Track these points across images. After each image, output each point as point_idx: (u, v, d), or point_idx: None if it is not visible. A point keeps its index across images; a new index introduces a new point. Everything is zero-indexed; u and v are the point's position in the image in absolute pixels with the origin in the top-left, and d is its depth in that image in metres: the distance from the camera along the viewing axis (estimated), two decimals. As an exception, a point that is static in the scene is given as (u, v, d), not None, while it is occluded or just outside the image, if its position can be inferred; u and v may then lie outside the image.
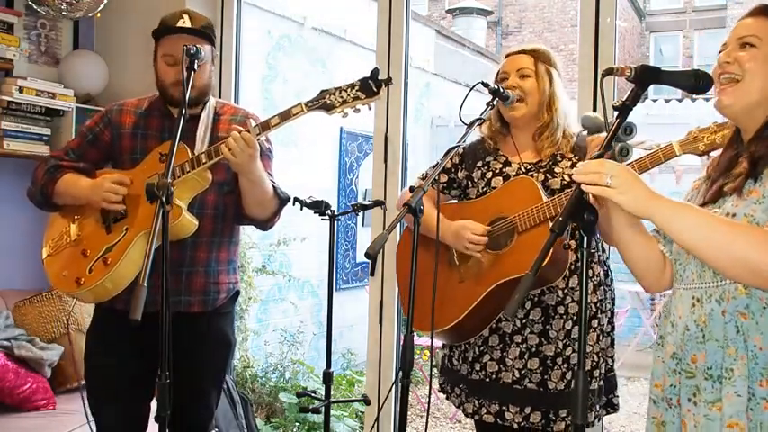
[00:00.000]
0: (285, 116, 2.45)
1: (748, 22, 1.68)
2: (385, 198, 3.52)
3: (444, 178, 2.63)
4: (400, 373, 2.07)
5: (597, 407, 2.42)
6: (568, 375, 2.37)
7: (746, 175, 1.62)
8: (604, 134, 1.76)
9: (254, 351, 5.76)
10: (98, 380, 2.61)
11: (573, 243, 2.35)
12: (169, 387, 2.06)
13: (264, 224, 2.72)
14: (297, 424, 4.87)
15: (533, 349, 2.40)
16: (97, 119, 2.74)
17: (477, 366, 2.47)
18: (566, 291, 2.40)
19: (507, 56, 2.57)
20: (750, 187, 1.60)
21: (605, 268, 2.48)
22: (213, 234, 2.62)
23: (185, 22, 2.53)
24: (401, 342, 2.35)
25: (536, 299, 2.40)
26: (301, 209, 2.99)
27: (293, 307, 6.42)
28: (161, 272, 2.07)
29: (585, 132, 2.10)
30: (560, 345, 2.39)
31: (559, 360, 2.38)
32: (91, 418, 2.64)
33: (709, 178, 1.78)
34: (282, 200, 2.66)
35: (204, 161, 2.44)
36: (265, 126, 2.45)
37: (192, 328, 2.56)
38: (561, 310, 2.40)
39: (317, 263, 6.64)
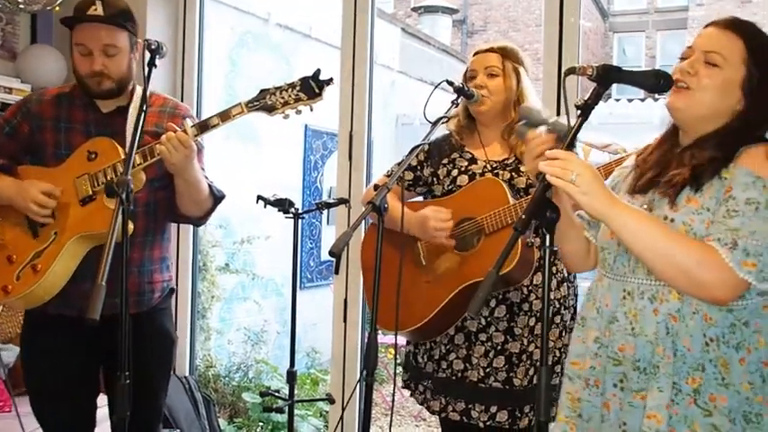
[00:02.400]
0: (224, 117, 2.36)
1: (717, 33, 1.73)
2: (349, 196, 3.50)
3: (410, 176, 2.61)
4: (364, 372, 2.06)
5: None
6: (532, 372, 2.39)
7: (684, 184, 1.69)
8: (542, 128, 1.86)
9: (216, 350, 5.71)
10: (40, 384, 2.53)
11: (536, 240, 2.36)
12: (129, 388, 2.01)
13: (198, 221, 2.66)
14: (260, 424, 4.84)
15: (499, 347, 2.41)
16: (15, 110, 2.57)
17: (444, 365, 2.47)
18: (530, 288, 2.41)
19: (476, 54, 2.57)
20: (689, 195, 1.68)
21: None
22: (146, 233, 2.52)
23: (97, 10, 2.38)
24: (365, 341, 2.34)
25: (500, 296, 2.41)
26: (265, 207, 2.97)
27: (257, 306, 6.38)
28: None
29: (524, 122, 2.05)
30: (525, 342, 2.40)
31: (524, 357, 2.39)
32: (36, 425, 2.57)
33: (638, 168, 1.85)
34: (217, 198, 2.58)
35: (138, 162, 2.32)
36: (204, 126, 2.36)
37: (133, 329, 2.49)
38: (526, 307, 2.41)
39: (281, 261, 6.60)
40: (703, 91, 1.70)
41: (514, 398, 2.39)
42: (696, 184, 1.67)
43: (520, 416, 2.39)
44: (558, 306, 2.43)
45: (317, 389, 5.92)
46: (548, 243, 1.55)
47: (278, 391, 3.24)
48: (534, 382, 2.38)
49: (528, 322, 2.40)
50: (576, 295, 2.54)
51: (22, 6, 3.78)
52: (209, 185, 2.53)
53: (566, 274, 2.47)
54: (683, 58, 1.77)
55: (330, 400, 3.35)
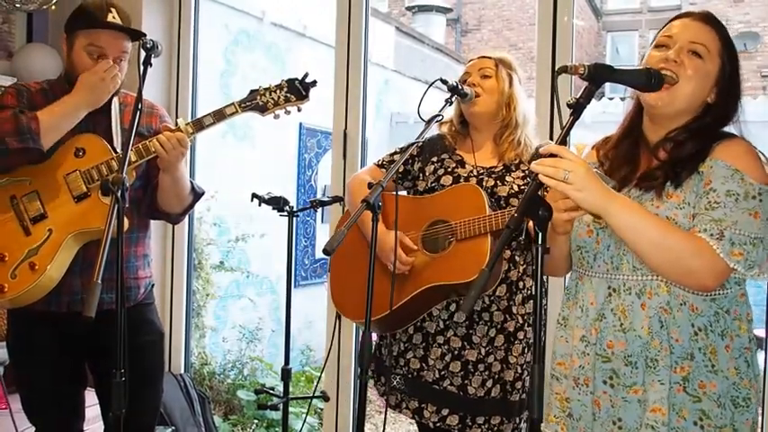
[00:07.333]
0: (219, 116, 2.42)
1: (698, 26, 1.77)
2: (344, 194, 3.51)
3: (400, 169, 2.62)
4: (359, 370, 2.08)
5: (518, 419, 2.43)
6: (489, 383, 2.39)
7: (665, 179, 1.71)
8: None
9: (211, 348, 5.72)
10: (29, 381, 2.53)
11: (506, 252, 2.36)
12: (124, 385, 2.02)
13: (177, 218, 2.68)
14: (255, 421, 4.85)
15: (456, 352, 2.41)
16: (14, 95, 2.44)
17: (402, 362, 2.49)
18: (492, 298, 2.40)
19: (471, 61, 2.61)
20: (669, 191, 1.70)
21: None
22: (131, 230, 2.51)
23: (115, 18, 2.41)
24: (360, 339, 2.35)
25: (461, 302, 2.39)
26: (260, 205, 2.98)
27: (252, 303, 6.39)
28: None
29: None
30: (483, 351, 2.39)
31: (481, 367, 2.39)
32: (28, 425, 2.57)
33: (602, 165, 1.85)
34: (198, 194, 2.62)
35: (134, 159, 2.35)
36: (199, 126, 2.40)
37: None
38: (486, 317, 2.40)
39: (275, 259, 6.62)
40: (688, 81, 1.71)
41: (467, 405, 2.39)
42: (677, 179, 1.69)
43: (471, 424, 2.38)
44: (521, 322, 2.42)
45: (312, 386, 5.93)
46: (540, 241, 1.55)
47: (273, 389, 3.25)
48: (491, 394, 2.38)
49: (488, 332, 2.40)
50: (545, 313, 2.54)
51: (18, 5, 3.78)
52: (191, 182, 2.58)
53: (532, 292, 2.44)
54: (657, 46, 1.79)
55: (325, 398, 3.37)
